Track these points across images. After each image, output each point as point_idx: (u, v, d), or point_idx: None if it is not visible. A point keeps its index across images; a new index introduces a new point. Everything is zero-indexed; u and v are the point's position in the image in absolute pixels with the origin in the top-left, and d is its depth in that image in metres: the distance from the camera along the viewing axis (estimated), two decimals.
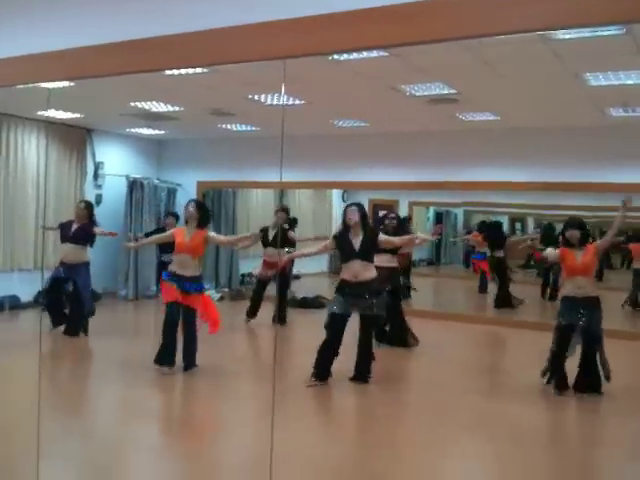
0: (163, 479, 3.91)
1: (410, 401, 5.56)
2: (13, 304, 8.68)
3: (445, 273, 13.01)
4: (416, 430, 4.74)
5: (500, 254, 10.15)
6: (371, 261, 5.74)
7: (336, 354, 5.70)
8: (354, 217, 5.66)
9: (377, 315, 5.74)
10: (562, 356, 5.62)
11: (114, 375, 6.00)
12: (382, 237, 5.87)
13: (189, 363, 5.98)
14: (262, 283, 8.46)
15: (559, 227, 6.61)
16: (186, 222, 6.07)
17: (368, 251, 5.70)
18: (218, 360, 6.60)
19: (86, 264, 7.36)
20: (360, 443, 4.49)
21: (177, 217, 8.78)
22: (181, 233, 6.03)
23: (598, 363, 5.51)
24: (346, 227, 5.74)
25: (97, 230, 7.42)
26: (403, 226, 9.84)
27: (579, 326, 5.53)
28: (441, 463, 4.16)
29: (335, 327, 5.64)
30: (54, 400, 5.01)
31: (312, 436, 4.60)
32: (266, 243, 8.28)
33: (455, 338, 8.36)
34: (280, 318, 8.34)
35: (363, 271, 5.63)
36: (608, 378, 5.47)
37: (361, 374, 5.73)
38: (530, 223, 12.16)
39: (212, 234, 6.24)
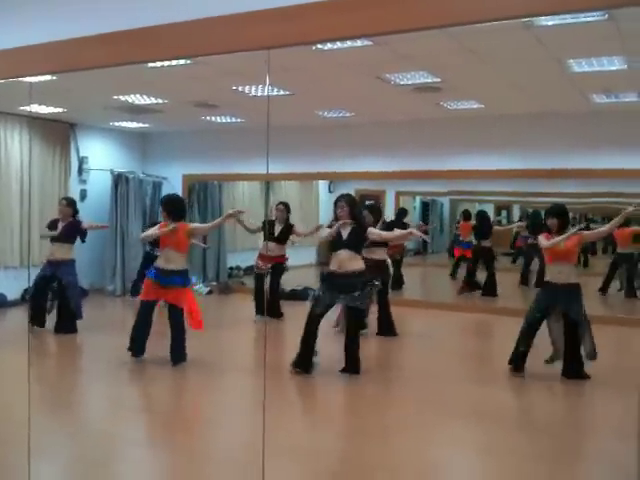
0: (155, 473, 3.91)
1: (400, 390, 5.57)
2: (0, 302, 8.60)
3: (432, 262, 13.04)
4: (408, 419, 4.76)
5: (487, 243, 10.19)
6: (358, 252, 5.77)
7: (314, 344, 5.77)
8: (343, 214, 5.72)
9: (362, 307, 5.76)
10: (528, 337, 5.69)
11: (103, 371, 5.98)
12: (373, 231, 5.92)
13: (178, 358, 5.97)
14: (261, 277, 8.42)
15: None
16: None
17: (356, 242, 5.73)
18: (209, 354, 6.59)
19: (72, 262, 7.33)
20: (354, 434, 4.50)
21: None
22: (164, 228, 6.04)
23: (582, 349, 5.58)
24: (337, 219, 5.78)
25: (86, 225, 7.43)
26: (400, 219, 9.95)
27: (558, 312, 5.60)
28: (432, 451, 4.18)
29: (315, 316, 5.72)
30: (44, 397, 4.99)
31: (304, 428, 4.62)
32: (271, 237, 8.27)
33: (443, 327, 8.40)
34: (274, 311, 8.31)
35: (349, 261, 5.66)
36: (591, 357, 5.52)
37: (352, 365, 5.74)
38: (516, 211, 12.20)
39: (193, 226, 6.30)
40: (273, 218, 8.47)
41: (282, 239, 8.30)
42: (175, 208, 6.10)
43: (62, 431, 4.48)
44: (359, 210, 6.06)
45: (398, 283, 10.21)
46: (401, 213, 10.37)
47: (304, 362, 5.73)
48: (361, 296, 5.66)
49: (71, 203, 7.42)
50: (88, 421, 4.75)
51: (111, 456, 4.06)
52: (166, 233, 5.92)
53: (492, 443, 4.29)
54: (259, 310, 8.30)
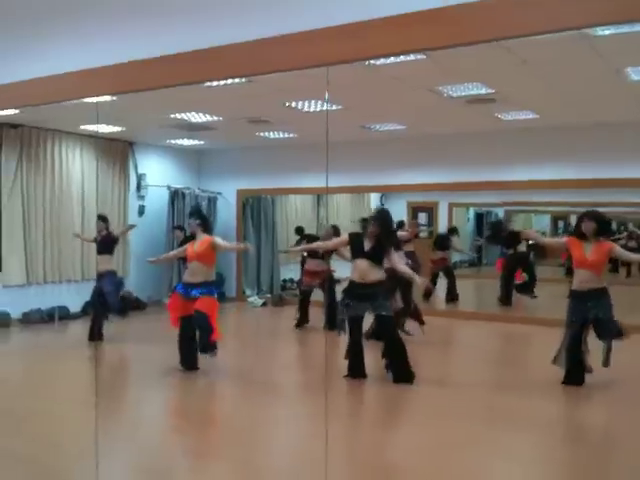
0: None
1: (453, 400, 5.51)
2: (62, 314, 8.91)
3: (486, 274, 12.87)
4: (462, 431, 4.72)
5: (522, 248, 9.83)
6: (379, 264, 5.78)
7: (362, 353, 5.90)
8: (375, 230, 5.76)
9: (390, 315, 5.77)
10: (576, 351, 5.59)
11: (153, 381, 6.08)
12: (393, 257, 5.84)
13: (204, 347, 6.00)
14: (307, 293, 8.57)
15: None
16: (193, 236, 6.34)
17: (377, 254, 5.76)
18: (262, 365, 6.68)
19: (111, 272, 7.68)
20: (411, 445, 4.49)
21: (183, 229, 8.97)
22: (191, 244, 6.26)
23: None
24: (364, 231, 5.92)
25: (117, 232, 7.97)
26: (449, 239, 10.02)
27: (590, 319, 5.50)
28: (489, 463, 4.14)
29: (353, 329, 5.84)
30: (102, 405, 5.11)
31: (360, 439, 4.62)
32: (316, 254, 8.35)
33: (491, 337, 8.32)
34: (331, 324, 8.38)
35: (369, 271, 5.70)
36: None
37: (403, 375, 5.73)
38: (573, 221, 11.95)
39: (217, 239, 6.33)
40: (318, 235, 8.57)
41: (326, 257, 8.39)
42: (206, 219, 6.42)
43: (122, 440, 4.59)
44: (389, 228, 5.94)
45: (451, 296, 10.18)
46: (451, 231, 10.39)
47: (355, 369, 5.87)
48: (384, 304, 5.70)
49: (104, 219, 7.82)
50: (141, 431, 4.84)
51: (167, 466, 4.14)
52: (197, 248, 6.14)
53: (550, 455, 4.22)
54: (300, 324, 8.49)
